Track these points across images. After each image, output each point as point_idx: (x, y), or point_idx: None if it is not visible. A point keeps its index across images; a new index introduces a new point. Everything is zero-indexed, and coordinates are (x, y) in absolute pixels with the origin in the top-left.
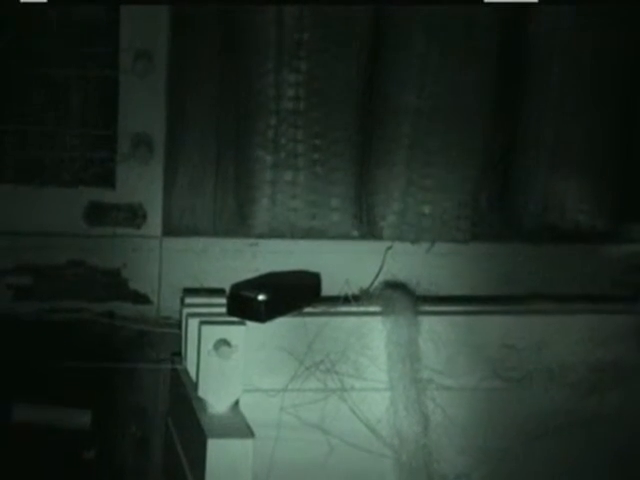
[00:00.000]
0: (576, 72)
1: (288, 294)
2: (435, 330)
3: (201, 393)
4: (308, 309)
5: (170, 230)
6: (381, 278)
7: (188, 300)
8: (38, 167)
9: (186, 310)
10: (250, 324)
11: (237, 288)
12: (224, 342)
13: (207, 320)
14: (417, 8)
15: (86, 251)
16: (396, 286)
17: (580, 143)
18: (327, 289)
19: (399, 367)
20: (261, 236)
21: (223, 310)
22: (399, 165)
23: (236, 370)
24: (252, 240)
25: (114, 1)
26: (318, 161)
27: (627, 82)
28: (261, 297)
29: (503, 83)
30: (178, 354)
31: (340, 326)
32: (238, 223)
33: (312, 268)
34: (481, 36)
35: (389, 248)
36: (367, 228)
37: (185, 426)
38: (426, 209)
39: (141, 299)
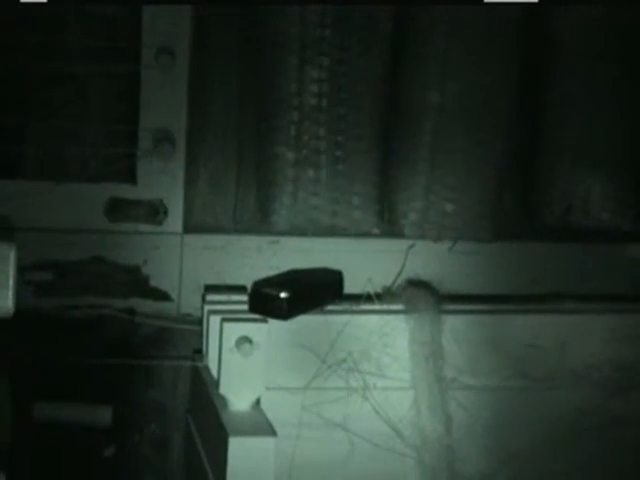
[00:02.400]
0: (600, 69)
1: (310, 292)
2: (458, 329)
3: (222, 391)
4: (330, 307)
5: (191, 227)
6: (403, 276)
7: (209, 297)
8: (59, 163)
9: (207, 307)
10: (272, 322)
11: (259, 285)
12: (246, 339)
13: (229, 317)
14: (441, 5)
15: (107, 247)
16: (419, 284)
17: (604, 141)
18: (349, 287)
19: (422, 366)
20: (282, 233)
21: (245, 307)
22: (421, 163)
23: (258, 368)
24: (273, 237)
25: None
26: (340, 158)
27: None
28: (283, 294)
29: (526, 81)
30: (199, 351)
31: (363, 324)
32: (259, 220)
33: (333, 266)
34: (503, 33)
35: (411, 246)
36: (389, 226)
37: (206, 424)
38: (448, 207)
39: (162, 296)
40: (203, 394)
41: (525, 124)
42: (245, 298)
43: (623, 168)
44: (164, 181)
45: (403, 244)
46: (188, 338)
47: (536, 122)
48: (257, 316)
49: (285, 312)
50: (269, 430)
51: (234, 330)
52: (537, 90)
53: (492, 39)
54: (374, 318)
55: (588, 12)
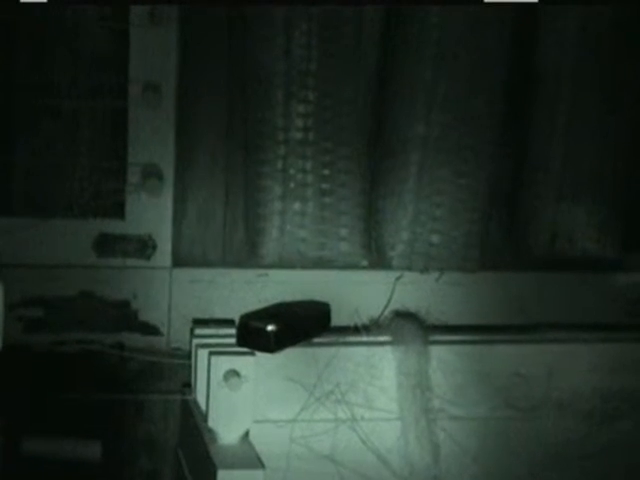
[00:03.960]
0: (585, 100)
1: (298, 324)
2: (445, 359)
3: (211, 424)
4: (318, 339)
5: (180, 261)
6: (390, 308)
7: (198, 331)
8: (48, 199)
9: (196, 341)
10: (260, 354)
11: (246, 318)
12: (234, 373)
13: (217, 351)
14: (425, 38)
15: (96, 282)
16: (406, 316)
17: (589, 171)
18: (336, 319)
19: (409, 397)
20: (270, 266)
21: (233, 341)
22: (408, 194)
23: (246, 401)
24: (261, 270)
25: (117, 2)
26: (327, 191)
27: (637, 110)
28: (270, 327)
29: (511, 111)
30: (188, 385)
31: (350, 356)
32: (247, 253)
33: (321, 298)
34: (488, 65)
35: (398, 278)
36: (376, 258)
37: (195, 457)
38: (435, 238)
39: (151, 330)
40: (192, 428)
41: (510, 155)
42: (233, 331)
43: (607, 198)
44: (152, 216)
45: (390, 275)
46: (178, 372)
47: (521, 153)
48: (245, 349)
49: (272, 345)
50: (257, 463)
51: (222, 364)
52: (521, 121)
53: (477, 71)
54: (361, 350)
55: (573, 42)
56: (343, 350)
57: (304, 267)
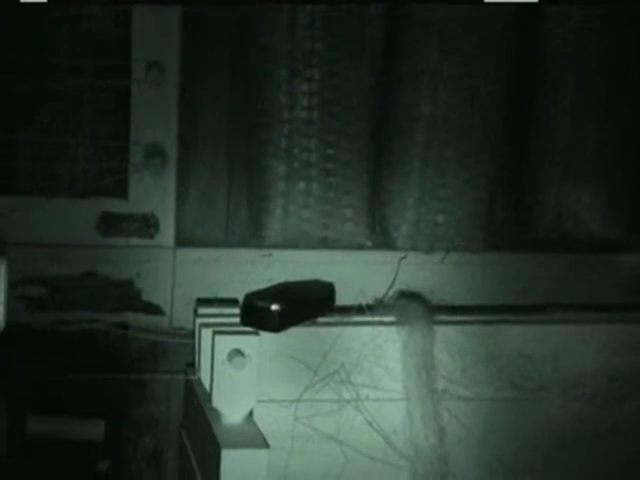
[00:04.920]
0: (590, 81)
1: (302, 304)
2: (450, 340)
3: (215, 404)
4: (322, 319)
5: (183, 240)
6: (395, 288)
7: (201, 310)
8: (51, 178)
9: (199, 320)
10: (264, 334)
11: (251, 298)
12: (238, 352)
13: (220, 330)
14: (431, 17)
15: (99, 262)
16: (410, 296)
17: (594, 152)
18: (341, 299)
19: (414, 377)
20: (274, 246)
21: (236, 320)
22: (413, 175)
23: (250, 380)
24: (265, 250)
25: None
26: (331, 171)
27: None
28: (275, 307)
29: (515, 92)
30: (191, 365)
31: (355, 336)
32: (251, 233)
33: (325, 278)
34: (494, 45)
35: (403, 258)
36: (381, 238)
37: (199, 437)
38: (440, 219)
39: (154, 310)
40: (196, 407)
41: (515, 135)
42: (237, 311)
43: (612, 179)
44: (155, 195)
45: (395, 256)
46: (181, 351)
47: (526, 133)
48: (249, 329)
49: (277, 324)
50: (262, 442)
51: (226, 343)
52: (527, 102)
53: (482, 51)
54: (366, 330)
55: (577, 26)
56: (348, 330)
57: (308, 247)
